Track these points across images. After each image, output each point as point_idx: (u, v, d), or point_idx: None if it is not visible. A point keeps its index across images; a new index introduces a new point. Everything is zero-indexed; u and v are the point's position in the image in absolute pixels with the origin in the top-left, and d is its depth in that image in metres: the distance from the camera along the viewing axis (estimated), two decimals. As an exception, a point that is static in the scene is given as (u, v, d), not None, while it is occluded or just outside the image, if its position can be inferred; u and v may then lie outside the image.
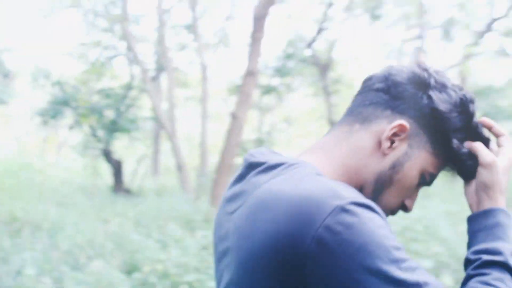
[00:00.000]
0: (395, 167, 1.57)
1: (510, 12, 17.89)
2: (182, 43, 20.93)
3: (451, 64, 18.32)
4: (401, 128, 1.55)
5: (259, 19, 8.26)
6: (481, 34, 17.97)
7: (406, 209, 1.66)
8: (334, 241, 1.28)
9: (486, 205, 1.59)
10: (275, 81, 20.85)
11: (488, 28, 17.79)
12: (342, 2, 17.05)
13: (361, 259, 1.28)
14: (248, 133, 24.44)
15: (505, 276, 1.45)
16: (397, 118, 1.56)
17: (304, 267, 1.30)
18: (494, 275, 1.44)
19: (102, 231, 9.11)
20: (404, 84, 1.57)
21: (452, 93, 1.58)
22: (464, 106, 1.58)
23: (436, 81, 1.57)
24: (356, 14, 20.44)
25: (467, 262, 1.53)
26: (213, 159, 15.02)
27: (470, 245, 1.57)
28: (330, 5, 13.90)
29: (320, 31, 14.19)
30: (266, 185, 1.45)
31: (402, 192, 1.61)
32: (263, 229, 1.35)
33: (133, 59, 18.52)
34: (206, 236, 7.41)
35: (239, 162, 17.33)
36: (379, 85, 1.60)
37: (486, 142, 1.64)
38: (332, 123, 14.08)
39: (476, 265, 1.49)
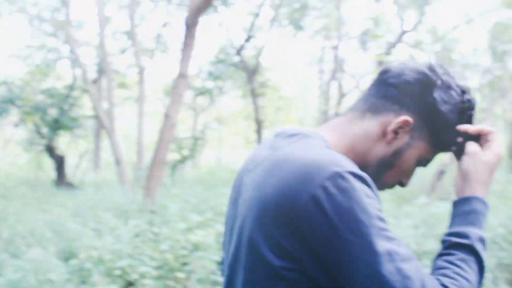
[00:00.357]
0: (396, 154, 1.68)
1: (418, 26, 18.35)
2: (121, 47, 20.71)
3: (366, 71, 18.61)
4: (406, 122, 1.65)
5: (190, 27, 8.26)
6: (392, 45, 18.31)
7: (402, 185, 1.77)
8: (327, 201, 1.39)
9: (467, 192, 1.67)
10: (209, 84, 20.80)
11: (399, 39, 18.14)
12: (269, 14, 17.15)
13: (347, 220, 1.38)
14: (184, 132, 24.34)
15: (469, 258, 1.54)
16: (403, 113, 1.66)
17: (299, 219, 1.42)
18: (459, 256, 1.53)
19: (42, 221, 8.92)
20: (413, 84, 1.66)
21: (455, 95, 1.67)
22: (462, 108, 1.68)
23: (442, 82, 1.66)
24: (282, 24, 20.56)
25: (442, 243, 1.62)
26: (150, 155, 14.94)
27: (448, 227, 1.66)
28: (257, 16, 13.93)
29: (248, 39, 14.22)
30: (283, 149, 1.59)
31: (401, 173, 1.72)
32: (272, 183, 1.49)
33: (76, 62, 18.21)
34: (138, 225, 7.36)
35: (171, 157, 17.25)
36: (392, 81, 1.69)
37: (476, 138, 1.73)
38: (258, 122, 14.17)
39: (445, 246, 1.59)
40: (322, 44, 20.42)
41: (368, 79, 18.42)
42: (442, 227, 7.17)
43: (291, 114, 25.55)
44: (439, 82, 1.66)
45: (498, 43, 20.03)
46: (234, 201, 1.76)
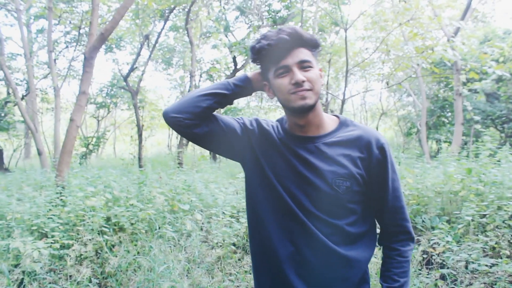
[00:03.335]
0: (275, 94, 1.76)
1: (245, 66, 18.73)
2: (43, 73, 19.37)
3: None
4: (265, 86, 1.81)
5: (88, 59, 7.99)
6: (229, 77, 18.46)
7: (297, 83, 1.67)
8: None
9: None
10: (107, 100, 20.21)
11: (234, 73, 18.35)
12: (147, 53, 16.91)
13: None
14: (90, 133, 23.37)
15: None
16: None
17: None
18: None
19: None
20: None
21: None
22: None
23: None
24: (158, 62, 20.37)
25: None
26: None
27: None
28: (139, 54, 13.69)
29: (132, 69, 13.92)
30: None
31: (282, 91, 1.72)
32: None
33: (8, 83, 16.85)
34: (50, 195, 6.99)
35: (81, 150, 16.52)
36: None
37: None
38: (139, 127, 13.92)
39: None
40: (182, 74, 20.40)
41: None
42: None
43: (163, 121, 25.26)
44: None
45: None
46: None
